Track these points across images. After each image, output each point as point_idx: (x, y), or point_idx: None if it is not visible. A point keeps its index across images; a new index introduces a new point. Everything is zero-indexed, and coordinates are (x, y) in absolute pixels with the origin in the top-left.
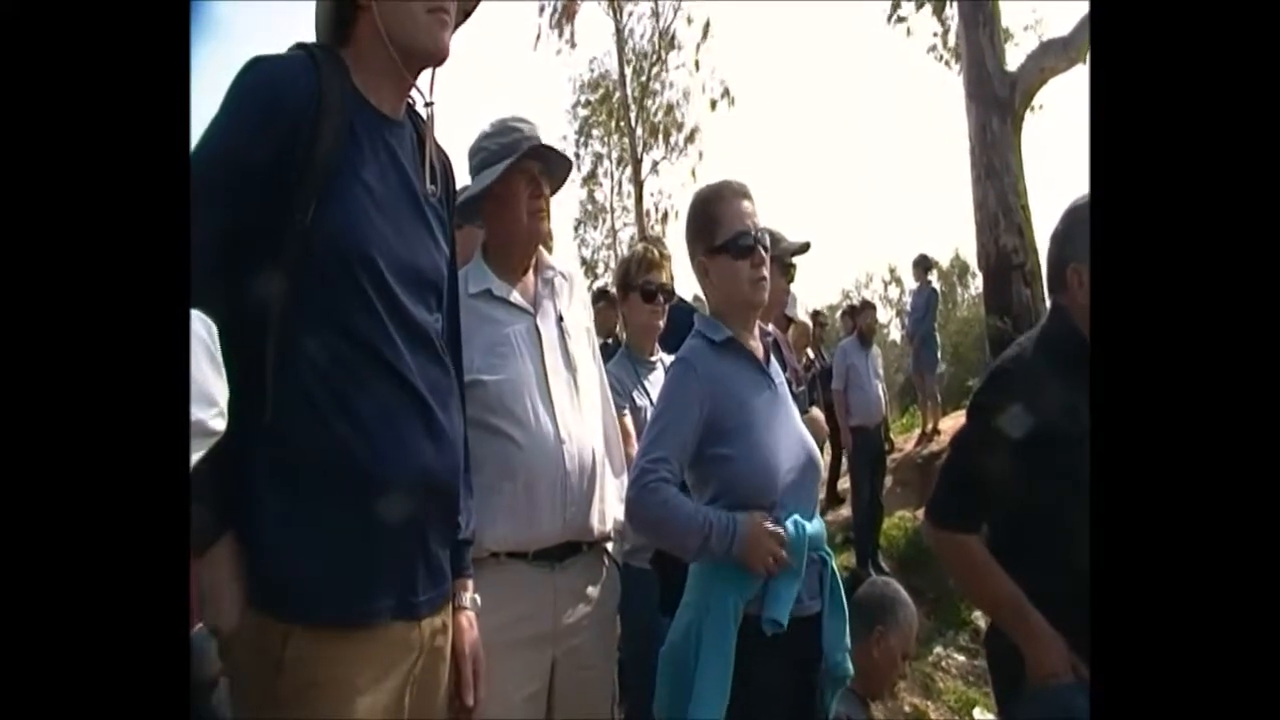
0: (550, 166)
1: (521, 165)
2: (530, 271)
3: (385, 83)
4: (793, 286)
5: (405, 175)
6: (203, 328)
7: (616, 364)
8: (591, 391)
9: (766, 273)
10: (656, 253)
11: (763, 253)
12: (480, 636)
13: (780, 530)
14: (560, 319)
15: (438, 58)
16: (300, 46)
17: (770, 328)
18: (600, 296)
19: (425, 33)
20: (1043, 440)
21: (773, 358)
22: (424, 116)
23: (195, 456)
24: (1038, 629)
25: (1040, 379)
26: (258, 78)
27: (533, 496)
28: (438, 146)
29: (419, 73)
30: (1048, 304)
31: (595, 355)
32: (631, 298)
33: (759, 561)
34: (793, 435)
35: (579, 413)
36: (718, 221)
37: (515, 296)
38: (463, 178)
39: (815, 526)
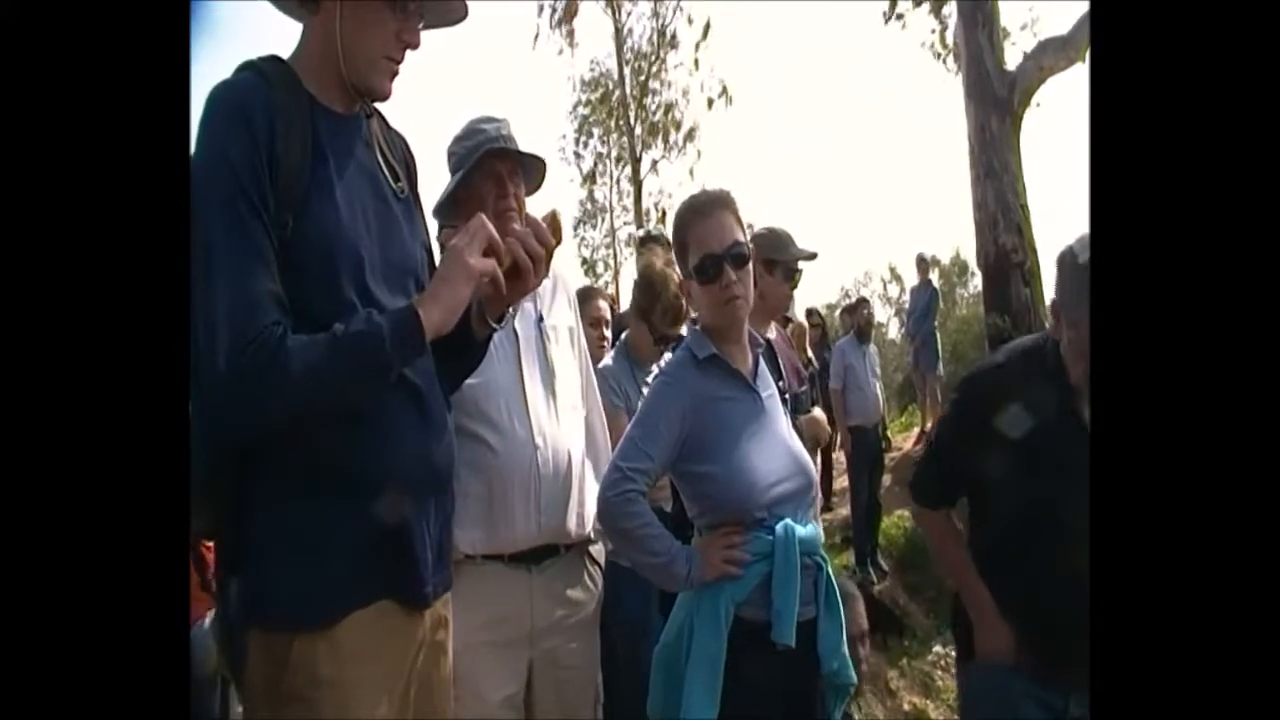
0: (524, 162)
1: (485, 167)
2: None
3: (336, 86)
4: (791, 298)
5: (369, 170)
6: None
7: (615, 363)
8: (571, 394)
9: (739, 290)
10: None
11: (731, 272)
12: (455, 638)
13: (731, 534)
14: (540, 319)
15: (381, 99)
16: (247, 67)
17: (772, 333)
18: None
19: (379, 77)
20: (1008, 443)
21: (764, 368)
22: (376, 113)
23: None
24: (985, 609)
25: (1014, 389)
26: (225, 102)
27: (505, 499)
28: (393, 138)
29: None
30: (1047, 303)
31: (579, 355)
32: (638, 323)
33: (715, 571)
34: (780, 447)
35: (555, 416)
36: (686, 248)
37: None
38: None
39: (808, 532)
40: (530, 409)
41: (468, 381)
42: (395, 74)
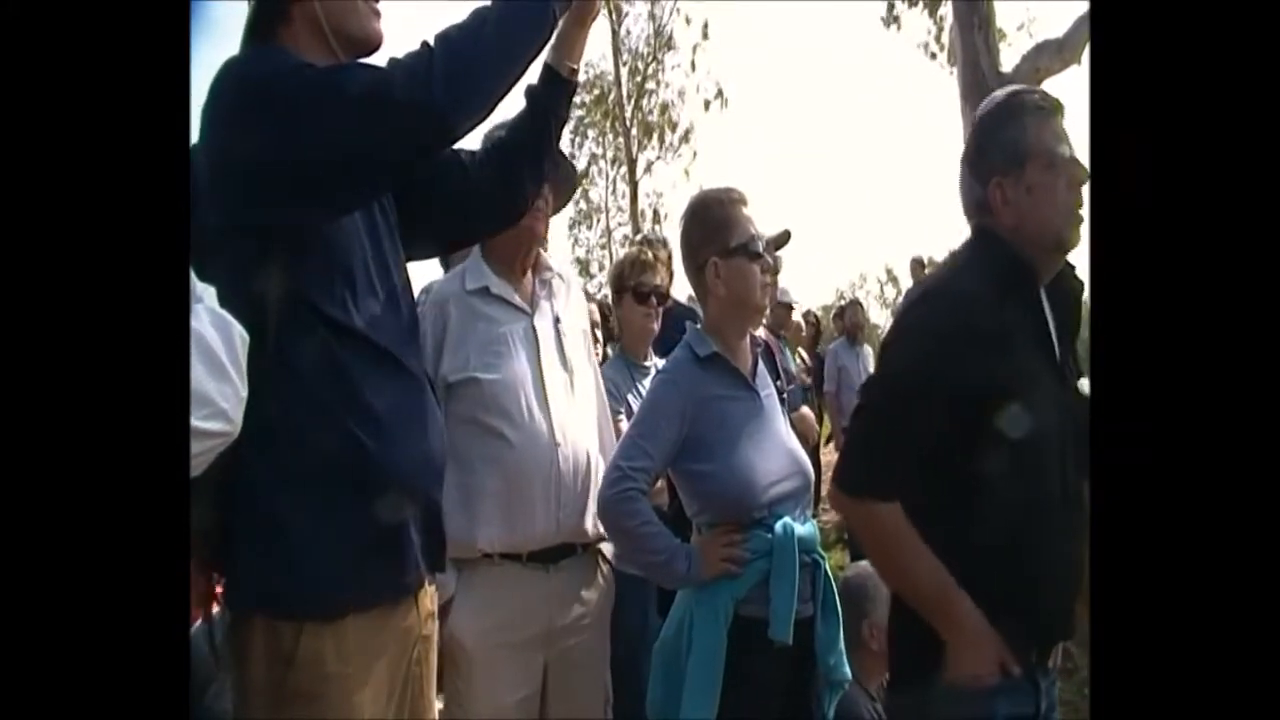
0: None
1: None
2: (529, 272)
3: None
4: (788, 289)
5: None
6: (209, 329)
7: (612, 367)
8: (587, 393)
9: (773, 276)
10: (651, 254)
11: (769, 261)
12: (473, 639)
13: (731, 532)
14: (557, 320)
15: (373, 45)
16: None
17: (763, 332)
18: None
19: (365, 21)
20: (967, 380)
21: (762, 368)
22: None
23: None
24: (968, 621)
25: (967, 307)
26: (240, 81)
27: (525, 497)
28: None
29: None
30: None
31: (591, 357)
32: (625, 300)
33: (714, 569)
34: (779, 447)
35: (575, 414)
36: (734, 223)
37: (513, 295)
38: None
39: (806, 529)
40: (551, 405)
41: (487, 377)
42: (379, 14)
